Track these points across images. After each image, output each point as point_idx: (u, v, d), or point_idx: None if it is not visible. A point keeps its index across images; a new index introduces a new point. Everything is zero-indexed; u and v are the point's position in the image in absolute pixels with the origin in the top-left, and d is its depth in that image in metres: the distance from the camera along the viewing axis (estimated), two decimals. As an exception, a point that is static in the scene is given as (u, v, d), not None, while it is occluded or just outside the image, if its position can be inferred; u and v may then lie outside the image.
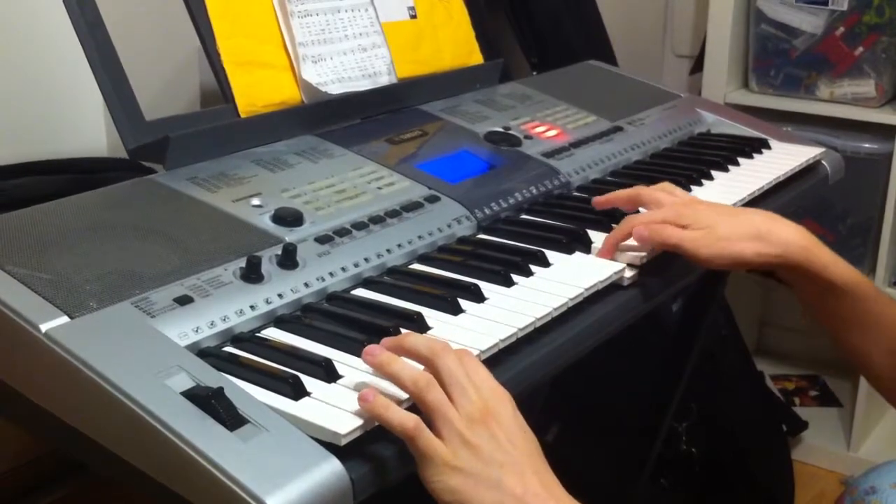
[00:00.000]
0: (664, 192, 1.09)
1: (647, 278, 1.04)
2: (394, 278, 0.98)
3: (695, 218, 1.03)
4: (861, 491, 1.02)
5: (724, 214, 1.05)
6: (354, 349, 0.83)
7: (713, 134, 1.55)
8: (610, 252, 1.05)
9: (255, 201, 1.01)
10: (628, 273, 1.02)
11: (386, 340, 0.82)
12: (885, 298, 1.07)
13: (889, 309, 1.06)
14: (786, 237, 1.03)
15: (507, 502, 0.74)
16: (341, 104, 1.25)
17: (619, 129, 1.43)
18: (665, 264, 1.06)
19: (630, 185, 1.25)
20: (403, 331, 0.86)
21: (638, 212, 1.10)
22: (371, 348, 0.79)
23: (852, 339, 1.07)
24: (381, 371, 0.78)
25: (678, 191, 1.12)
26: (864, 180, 2.07)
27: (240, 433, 0.70)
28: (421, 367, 0.80)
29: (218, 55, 1.15)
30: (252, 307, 0.86)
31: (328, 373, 0.79)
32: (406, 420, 0.74)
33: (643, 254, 1.04)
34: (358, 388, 0.77)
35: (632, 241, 1.05)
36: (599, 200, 1.13)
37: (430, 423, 0.76)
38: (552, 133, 1.35)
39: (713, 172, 1.34)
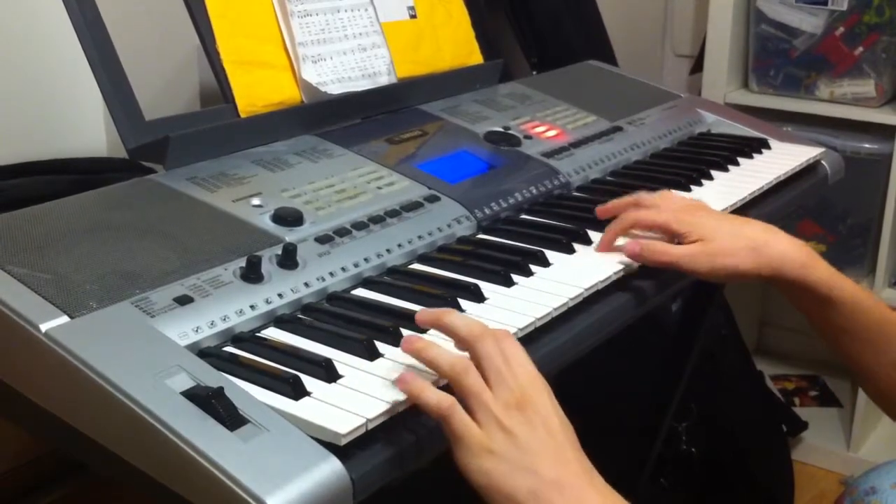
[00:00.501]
0: (662, 198, 1.09)
1: (647, 279, 1.04)
2: (394, 278, 0.98)
3: (694, 225, 1.02)
4: (861, 491, 1.01)
5: (724, 223, 1.04)
6: (355, 349, 0.83)
7: (713, 134, 1.55)
8: (608, 246, 1.05)
9: (255, 201, 1.01)
10: (628, 273, 1.02)
11: (423, 312, 0.83)
12: (887, 311, 1.06)
13: (891, 321, 1.05)
14: (782, 251, 1.03)
15: (542, 488, 0.74)
16: (341, 104, 1.25)
17: (619, 129, 1.43)
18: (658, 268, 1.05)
19: (630, 185, 1.25)
20: (404, 331, 0.86)
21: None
22: (408, 338, 0.80)
23: (853, 352, 1.06)
24: (418, 357, 0.79)
25: (677, 196, 1.12)
26: (864, 180, 2.07)
27: (240, 433, 0.70)
28: (455, 350, 0.80)
29: (218, 55, 1.15)
30: (252, 307, 0.86)
31: (328, 373, 0.79)
32: (442, 400, 0.75)
33: None
34: (358, 387, 0.77)
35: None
36: (602, 210, 1.12)
37: (466, 407, 0.76)
38: (552, 133, 1.35)
39: (713, 172, 1.34)
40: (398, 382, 0.76)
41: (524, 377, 0.78)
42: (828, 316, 1.05)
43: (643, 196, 1.10)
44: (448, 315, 0.82)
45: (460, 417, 0.75)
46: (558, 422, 0.78)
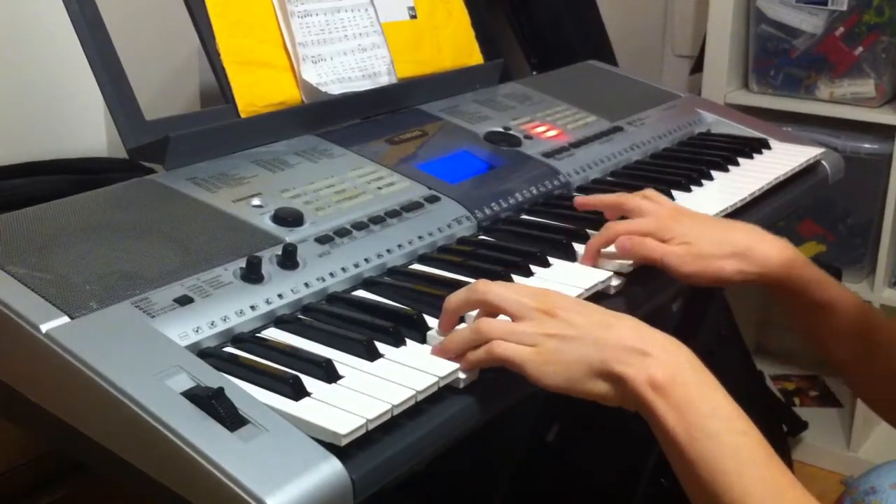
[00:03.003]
0: (648, 201, 1.07)
1: (647, 280, 1.04)
2: (394, 279, 0.98)
3: (678, 231, 1.01)
4: (861, 491, 1.01)
5: (708, 228, 1.03)
6: (355, 349, 0.83)
7: (713, 134, 1.55)
8: (592, 258, 1.03)
9: (256, 201, 1.01)
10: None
11: (440, 321, 0.86)
12: (879, 317, 1.05)
13: (884, 328, 1.03)
14: (767, 255, 1.02)
15: (610, 352, 0.78)
16: (341, 104, 1.25)
17: (619, 129, 1.43)
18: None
19: (630, 185, 1.25)
20: (404, 331, 0.86)
21: (622, 218, 1.07)
22: (435, 349, 0.83)
23: (844, 357, 1.05)
24: (447, 356, 0.82)
25: (662, 199, 1.09)
26: (864, 180, 2.07)
27: (240, 433, 0.70)
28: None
29: (218, 55, 1.16)
30: (252, 307, 0.86)
31: (328, 373, 0.79)
32: (480, 352, 0.80)
33: (629, 262, 1.03)
34: (359, 388, 0.77)
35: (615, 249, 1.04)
36: (581, 201, 1.11)
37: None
38: (552, 133, 1.35)
39: (713, 172, 1.34)
40: (439, 353, 0.82)
41: (535, 292, 0.84)
42: (816, 319, 1.04)
43: (625, 198, 1.07)
44: (449, 303, 0.86)
45: (506, 347, 0.79)
46: (589, 308, 0.83)
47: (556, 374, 0.79)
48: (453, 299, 0.86)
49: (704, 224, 1.05)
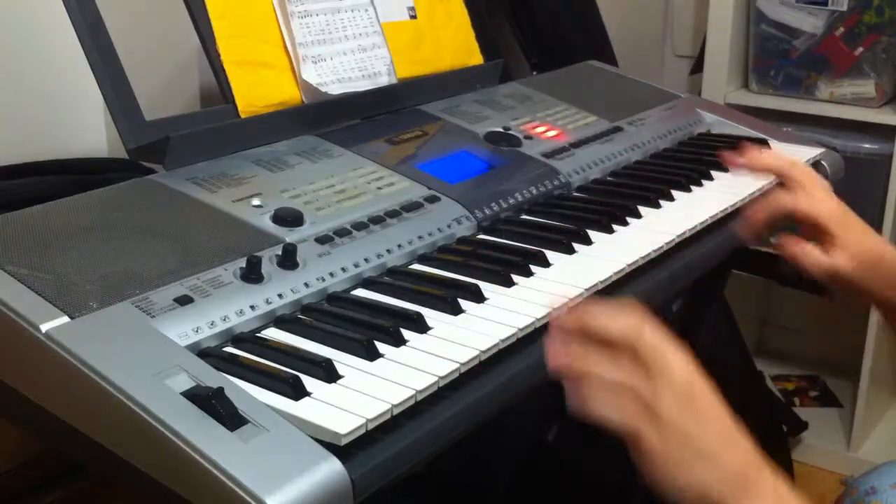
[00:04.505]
0: (806, 178, 1.06)
1: (647, 279, 1.04)
2: (394, 278, 0.98)
3: (844, 228, 1.01)
4: (861, 491, 1.01)
5: (868, 238, 1.03)
6: (354, 349, 0.83)
7: (713, 134, 1.55)
8: (754, 164, 1.07)
9: (256, 201, 1.01)
10: (627, 273, 1.01)
11: (561, 320, 0.74)
12: None
13: None
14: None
15: (727, 480, 0.69)
16: (341, 104, 1.25)
17: (619, 129, 1.43)
18: (657, 267, 1.05)
19: (630, 186, 1.26)
20: (404, 331, 0.86)
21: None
22: (554, 357, 0.73)
23: None
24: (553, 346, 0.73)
25: (817, 177, 1.08)
26: (864, 180, 2.07)
27: (240, 433, 0.70)
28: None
29: (218, 55, 1.16)
30: (252, 307, 0.86)
31: (328, 373, 0.79)
32: (628, 419, 0.72)
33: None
34: (358, 388, 0.77)
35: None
36: (736, 160, 1.11)
37: (633, 394, 0.72)
38: (552, 133, 1.35)
39: (713, 172, 1.34)
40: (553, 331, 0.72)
41: (685, 368, 0.74)
42: None
43: (793, 171, 1.06)
44: (595, 320, 0.73)
45: (650, 434, 0.71)
46: (724, 410, 0.73)
47: (687, 490, 0.71)
48: (605, 320, 0.73)
49: (865, 231, 1.04)
